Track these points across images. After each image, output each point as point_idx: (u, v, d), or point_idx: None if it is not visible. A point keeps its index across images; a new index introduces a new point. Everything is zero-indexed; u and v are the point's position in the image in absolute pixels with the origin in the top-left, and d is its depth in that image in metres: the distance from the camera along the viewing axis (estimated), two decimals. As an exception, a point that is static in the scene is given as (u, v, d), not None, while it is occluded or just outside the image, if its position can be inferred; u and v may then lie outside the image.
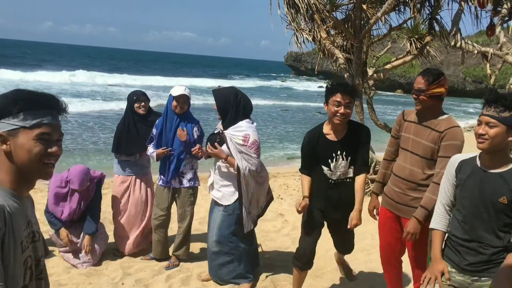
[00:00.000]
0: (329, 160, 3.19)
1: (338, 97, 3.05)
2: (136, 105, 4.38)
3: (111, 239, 4.57)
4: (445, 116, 2.93)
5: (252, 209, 3.72)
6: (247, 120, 3.67)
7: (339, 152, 3.18)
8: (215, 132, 3.77)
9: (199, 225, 5.27)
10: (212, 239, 3.81)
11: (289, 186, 7.74)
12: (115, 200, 4.49)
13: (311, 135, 3.27)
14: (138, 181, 4.49)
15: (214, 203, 3.84)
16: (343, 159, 3.19)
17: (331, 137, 3.19)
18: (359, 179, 3.24)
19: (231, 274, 3.86)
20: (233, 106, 3.63)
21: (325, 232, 3.50)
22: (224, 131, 3.64)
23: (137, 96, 4.42)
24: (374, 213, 3.35)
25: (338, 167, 3.19)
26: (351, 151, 3.21)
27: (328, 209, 3.33)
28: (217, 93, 3.75)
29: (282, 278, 4.05)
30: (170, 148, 4.09)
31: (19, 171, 1.38)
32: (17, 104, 1.35)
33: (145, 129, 4.33)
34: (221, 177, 3.75)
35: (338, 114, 3.07)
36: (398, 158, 3.12)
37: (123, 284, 3.89)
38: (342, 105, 3.05)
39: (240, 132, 3.60)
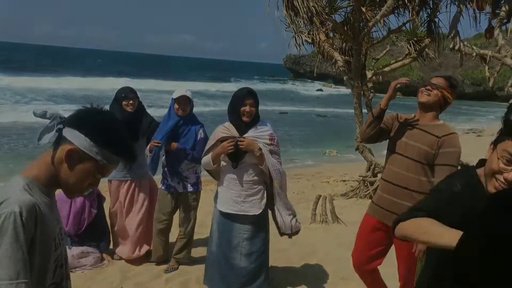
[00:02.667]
0: None
1: None
2: (124, 102, 4.17)
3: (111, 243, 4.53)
4: (441, 121, 2.91)
5: (290, 206, 3.53)
6: (262, 120, 3.56)
7: None
8: (231, 139, 3.35)
9: (198, 229, 5.21)
10: (241, 253, 3.48)
11: (289, 189, 7.73)
12: (112, 205, 4.40)
13: (465, 184, 1.65)
14: (134, 185, 4.34)
15: (231, 219, 3.48)
16: None
17: None
18: None
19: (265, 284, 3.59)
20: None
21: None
22: (244, 136, 3.37)
23: (125, 93, 4.19)
24: None
25: None
26: None
27: None
28: (256, 94, 3.51)
29: (282, 278, 4.05)
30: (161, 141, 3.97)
31: (56, 178, 1.41)
32: (105, 139, 1.39)
33: (136, 129, 4.19)
34: (247, 187, 3.43)
35: (501, 179, 1.51)
36: (389, 164, 2.96)
37: (122, 287, 3.88)
38: None
39: (265, 132, 3.47)
